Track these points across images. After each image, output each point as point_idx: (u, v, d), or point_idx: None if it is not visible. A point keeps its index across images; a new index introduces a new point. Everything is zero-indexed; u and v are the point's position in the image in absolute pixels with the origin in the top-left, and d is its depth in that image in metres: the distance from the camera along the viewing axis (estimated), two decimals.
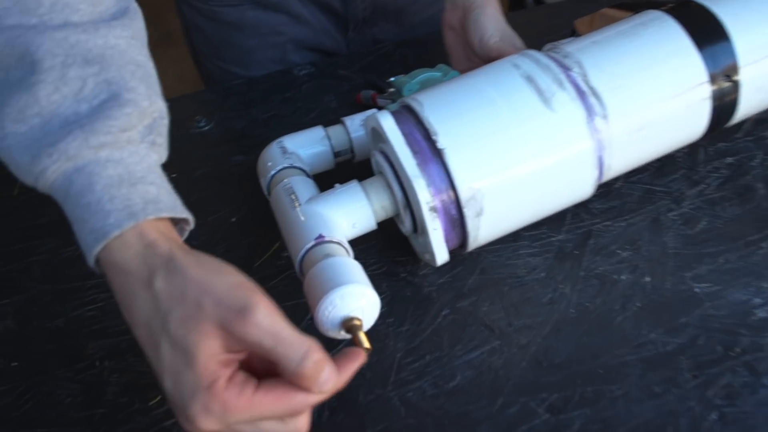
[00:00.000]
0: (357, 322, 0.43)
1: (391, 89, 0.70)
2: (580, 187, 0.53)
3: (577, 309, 0.52)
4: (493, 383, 0.48)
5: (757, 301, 0.53)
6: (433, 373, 0.49)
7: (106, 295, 0.56)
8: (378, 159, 0.52)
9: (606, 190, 0.61)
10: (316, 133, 0.60)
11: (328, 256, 0.46)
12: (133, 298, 0.38)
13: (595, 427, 0.45)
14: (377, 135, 0.53)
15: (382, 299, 0.53)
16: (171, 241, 0.39)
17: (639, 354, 0.49)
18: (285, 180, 0.54)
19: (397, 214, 0.53)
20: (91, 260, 0.40)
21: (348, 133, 0.60)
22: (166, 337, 0.37)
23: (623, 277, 0.54)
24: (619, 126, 0.52)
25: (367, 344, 0.42)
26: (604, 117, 0.51)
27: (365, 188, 0.52)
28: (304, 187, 0.53)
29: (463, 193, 0.48)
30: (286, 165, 0.56)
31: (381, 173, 0.53)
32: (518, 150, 0.49)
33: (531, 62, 0.52)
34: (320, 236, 0.48)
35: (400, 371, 0.49)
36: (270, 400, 0.37)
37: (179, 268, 0.38)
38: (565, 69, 0.52)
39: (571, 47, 0.54)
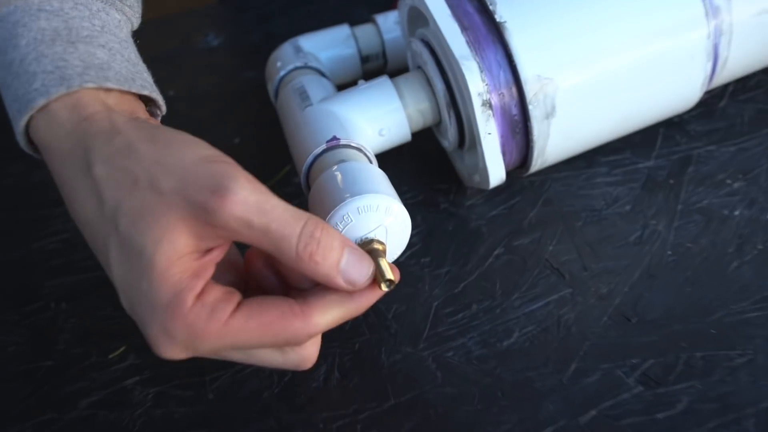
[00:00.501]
0: (379, 246, 0.31)
1: None
2: (685, 89, 0.40)
3: (675, 251, 0.39)
4: (563, 343, 0.36)
5: None
6: (480, 327, 0.37)
7: (75, 225, 0.45)
8: (416, 48, 0.40)
9: (706, 109, 0.47)
10: (340, 32, 0.48)
11: (342, 162, 0.34)
12: (71, 190, 0.29)
13: (709, 407, 0.33)
14: (414, 19, 0.41)
15: (416, 234, 0.41)
16: (118, 114, 0.28)
17: (766, 310, 0.36)
18: (296, 79, 0.42)
19: (438, 123, 0.40)
20: (20, 138, 0.30)
21: (380, 34, 0.48)
22: (115, 238, 0.27)
23: (737, 212, 0.41)
24: (744, 4, 0.38)
25: (390, 274, 0.30)
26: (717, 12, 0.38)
27: (398, 86, 0.39)
28: (318, 87, 0.41)
29: (530, 85, 0.35)
30: (299, 65, 0.44)
31: (419, 68, 0.40)
32: (607, 30, 0.36)
33: None
34: (334, 138, 0.36)
35: (437, 324, 0.37)
36: (253, 327, 0.27)
37: (126, 145, 0.27)
38: None
39: None
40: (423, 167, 0.45)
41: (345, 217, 0.31)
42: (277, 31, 0.62)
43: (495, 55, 0.35)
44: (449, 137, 0.40)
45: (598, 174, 0.44)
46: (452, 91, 0.38)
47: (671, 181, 0.43)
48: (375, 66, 0.49)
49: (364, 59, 0.48)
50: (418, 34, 0.40)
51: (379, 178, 0.33)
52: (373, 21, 0.49)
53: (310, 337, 0.29)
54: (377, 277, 0.30)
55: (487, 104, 0.35)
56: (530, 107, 0.36)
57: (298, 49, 0.46)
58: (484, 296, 0.38)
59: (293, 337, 0.29)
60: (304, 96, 0.40)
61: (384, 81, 0.39)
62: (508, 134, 0.37)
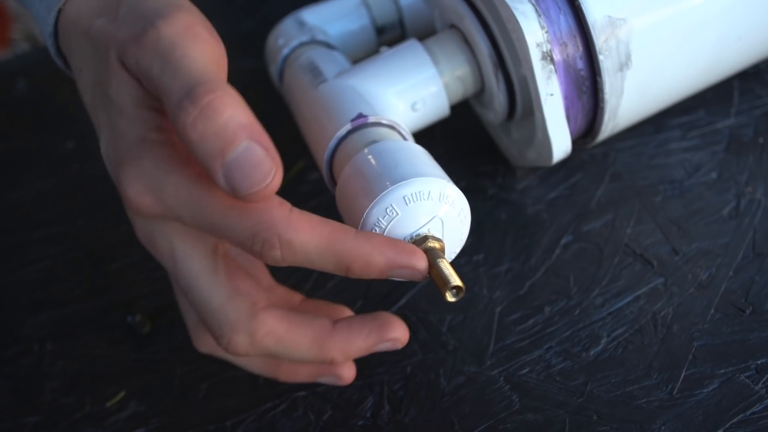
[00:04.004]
0: (435, 244, 0.24)
1: None
2: None
3: None
4: (665, 346, 0.29)
5: None
6: (558, 334, 0.30)
7: (58, 251, 0.38)
8: (447, 2, 0.33)
9: None
10: (349, 0, 0.41)
11: (375, 142, 0.27)
12: (77, 57, 0.26)
13: None
14: None
15: None
16: None
17: None
18: (303, 56, 0.35)
19: (481, 92, 0.34)
20: (48, 34, 0.28)
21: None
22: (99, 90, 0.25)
23: None
24: None
25: (457, 279, 0.23)
26: None
27: (430, 49, 0.32)
28: (331, 61, 0.34)
29: (598, 29, 0.28)
30: (304, 39, 0.37)
31: (452, 27, 0.33)
32: None
33: None
34: (360, 116, 0.29)
35: (504, 335, 0.30)
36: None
37: None
38: None
39: None
40: (460, 149, 0.38)
41: (389, 210, 0.24)
42: (276, 16, 0.56)
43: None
44: (497, 107, 0.33)
45: (672, 139, 0.37)
46: (499, 49, 0.31)
47: (761, 140, 0.36)
48: (392, 37, 0.42)
49: (380, 30, 0.41)
50: None
51: (423, 157, 0.27)
52: None
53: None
54: (439, 284, 0.23)
55: (548, 57, 0.28)
56: (600, 58, 0.29)
57: (301, 24, 0.39)
58: (557, 296, 0.31)
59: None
60: (316, 72, 0.33)
61: (413, 44, 0.32)
62: (573, 94, 0.30)
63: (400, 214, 0.24)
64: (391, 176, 0.24)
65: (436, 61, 0.32)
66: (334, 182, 0.29)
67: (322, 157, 0.30)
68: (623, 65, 0.29)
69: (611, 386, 0.28)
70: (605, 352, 0.29)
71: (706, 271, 0.31)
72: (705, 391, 0.27)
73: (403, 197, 0.24)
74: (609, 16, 0.28)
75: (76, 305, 0.35)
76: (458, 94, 0.33)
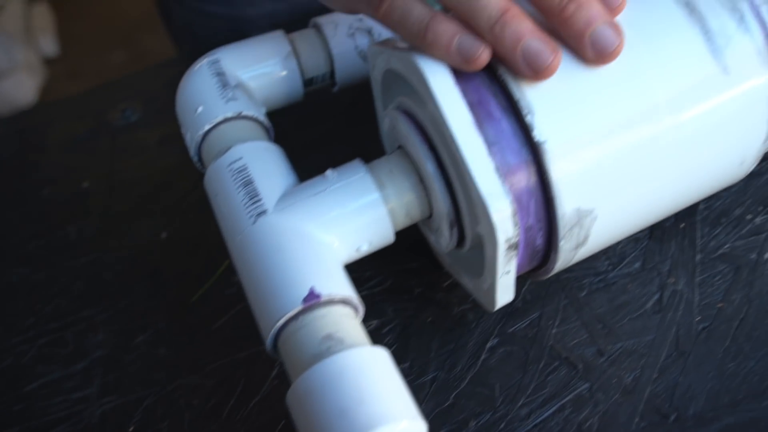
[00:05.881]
0: None
1: None
2: (731, 174, 0.32)
3: (705, 314, 0.32)
4: None
5: None
6: None
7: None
8: (401, 125, 0.30)
9: None
10: (275, 45, 0.36)
11: (328, 341, 0.25)
12: None
13: None
14: (391, 83, 0.33)
15: (388, 332, 0.34)
16: None
17: None
18: (232, 152, 0.31)
19: (428, 218, 0.32)
20: None
21: (327, 48, 0.37)
22: None
23: (767, 255, 0.34)
24: None
25: None
26: None
27: (379, 180, 0.30)
28: (269, 170, 0.30)
29: (566, 219, 0.27)
30: (230, 114, 0.33)
31: (404, 149, 0.31)
32: (663, 140, 0.28)
33: None
34: (312, 294, 0.26)
35: None
36: None
37: None
38: None
39: None
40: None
41: None
42: None
43: (527, 180, 0.27)
44: (441, 244, 0.31)
45: None
46: (459, 208, 0.29)
47: (681, 225, 0.36)
48: (320, 86, 0.38)
49: (308, 82, 0.37)
50: (396, 102, 0.32)
51: (386, 377, 0.24)
52: (318, 28, 0.37)
53: None
54: None
55: (513, 247, 0.27)
56: (561, 243, 0.28)
57: (221, 77, 0.34)
58: (482, 407, 0.31)
59: None
60: (252, 193, 0.29)
61: (363, 177, 0.30)
62: (525, 262, 0.29)
63: None
64: (356, 420, 0.22)
65: (384, 195, 0.29)
66: (276, 351, 0.27)
67: (264, 325, 0.27)
68: (579, 245, 0.29)
69: None
70: None
71: (630, 374, 0.31)
72: None
73: None
74: (578, 208, 0.27)
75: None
76: (404, 224, 0.31)
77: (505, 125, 0.27)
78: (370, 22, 0.37)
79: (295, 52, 0.36)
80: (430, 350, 0.33)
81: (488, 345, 0.33)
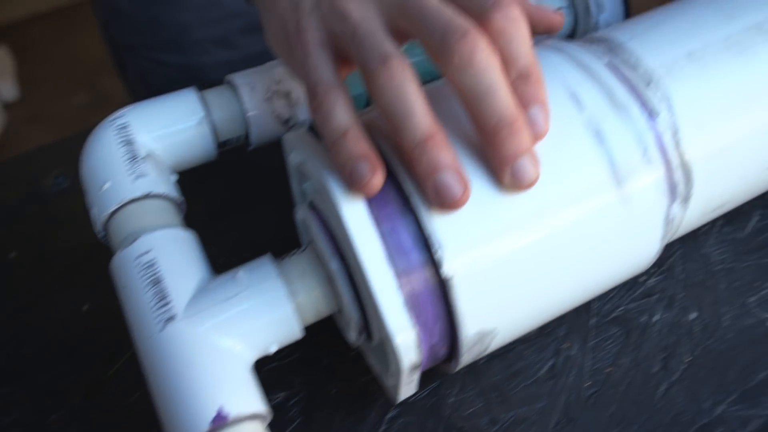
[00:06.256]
0: None
1: None
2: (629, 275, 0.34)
3: (594, 379, 0.34)
4: None
5: None
6: None
7: None
8: (311, 225, 0.31)
9: None
10: (188, 106, 0.35)
11: None
12: None
13: None
14: (308, 177, 0.33)
15: (294, 405, 0.34)
16: None
17: None
18: (140, 243, 0.30)
19: (338, 312, 0.32)
20: None
21: (243, 111, 0.36)
22: None
23: (656, 317, 0.36)
24: (697, 209, 0.33)
25: None
26: (686, 200, 0.32)
27: (290, 282, 0.30)
28: (177, 263, 0.30)
29: (468, 340, 0.29)
30: (138, 195, 0.32)
31: (312, 246, 0.31)
32: (559, 268, 0.29)
33: (597, 91, 0.30)
34: (220, 416, 0.26)
35: None
36: None
37: None
38: (650, 114, 0.31)
39: (644, 48, 0.32)
40: None
41: None
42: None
43: (434, 308, 0.28)
44: (350, 336, 0.32)
45: None
46: (368, 316, 0.30)
47: None
48: (234, 146, 0.38)
49: (222, 144, 0.37)
50: (309, 197, 0.32)
51: None
52: (233, 87, 0.36)
53: None
54: None
55: (417, 366, 0.28)
56: (462, 357, 0.29)
57: (128, 144, 0.33)
58: None
59: None
60: (160, 291, 0.29)
61: (273, 282, 0.30)
62: (428, 365, 0.30)
63: None
64: None
65: (292, 296, 0.30)
66: None
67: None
68: (482, 353, 0.30)
69: None
70: None
71: None
72: None
73: None
74: (480, 330, 0.28)
75: None
76: (314, 319, 0.32)
77: (415, 257, 0.27)
78: (289, 86, 0.38)
79: (209, 115, 0.35)
80: (333, 423, 0.34)
81: (388, 416, 0.34)
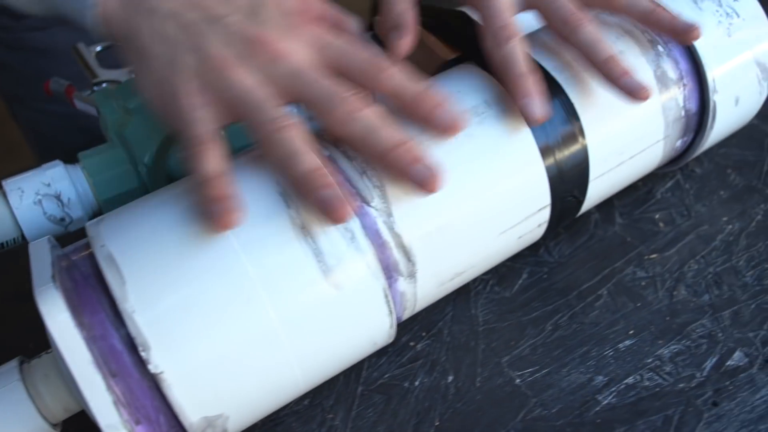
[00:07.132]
0: None
1: (106, 84, 0.49)
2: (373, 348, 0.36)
3: None
4: None
5: (600, 380, 0.38)
6: None
7: None
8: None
9: None
10: None
11: None
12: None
13: None
14: None
15: None
16: None
17: None
18: None
19: None
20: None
21: (13, 216, 0.38)
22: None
23: (417, 382, 0.39)
24: (430, 282, 0.36)
25: None
26: (411, 276, 0.35)
27: (33, 386, 0.33)
28: None
29: (195, 427, 0.31)
30: None
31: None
32: (279, 355, 0.32)
33: None
34: None
35: None
36: None
37: None
38: (360, 201, 0.33)
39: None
40: None
41: None
42: None
43: (152, 402, 0.30)
44: None
45: None
46: None
47: None
48: (12, 248, 0.40)
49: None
50: None
51: None
52: (3, 194, 0.38)
53: None
54: None
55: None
56: None
57: None
58: None
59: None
60: None
61: (15, 386, 0.32)
62: None
63: None
64: None
65: (37, 396, 0.32)
66: None
67: None
68: None
69: None
70: None
71: None
72: None
73: None
74: (206, 416, 0.31)
75: None
76: (66, 415, 0.34)
77: (126, 358, 0.30)
78: (58, 188, 0.40)
79: None
80: None
81: None
